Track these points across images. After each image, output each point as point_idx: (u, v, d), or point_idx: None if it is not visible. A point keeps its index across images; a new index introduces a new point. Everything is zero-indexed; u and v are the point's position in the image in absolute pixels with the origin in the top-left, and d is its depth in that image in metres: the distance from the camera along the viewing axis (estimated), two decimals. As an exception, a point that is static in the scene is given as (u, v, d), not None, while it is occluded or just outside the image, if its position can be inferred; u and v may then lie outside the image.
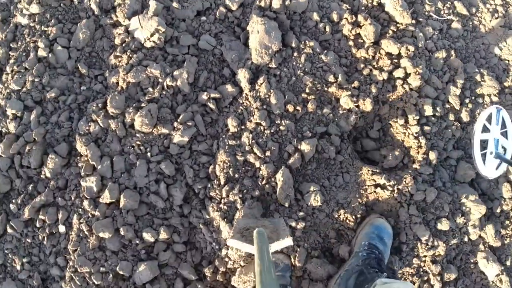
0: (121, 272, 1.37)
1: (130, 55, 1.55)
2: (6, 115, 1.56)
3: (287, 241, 1.13)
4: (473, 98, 1.69)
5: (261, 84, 1.50)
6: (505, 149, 1.58)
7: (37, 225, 1.49)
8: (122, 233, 1.39)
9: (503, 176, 1.63)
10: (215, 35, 1.62)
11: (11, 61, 1.62)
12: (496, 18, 1.86)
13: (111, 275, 1.38)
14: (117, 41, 1.59)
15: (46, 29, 1.63)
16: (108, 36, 1.64)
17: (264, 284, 0.89)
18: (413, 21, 1.69)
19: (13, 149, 1.50)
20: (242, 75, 1.52)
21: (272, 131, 1.46)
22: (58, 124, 1.53)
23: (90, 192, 1.43)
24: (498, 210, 1.62)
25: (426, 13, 1.75)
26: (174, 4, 1.60)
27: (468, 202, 1.53)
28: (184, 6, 1.61)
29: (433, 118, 1.59)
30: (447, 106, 1.63)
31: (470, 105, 1.66)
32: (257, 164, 1.43)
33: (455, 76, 1.66)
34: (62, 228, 1.48)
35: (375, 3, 1.73)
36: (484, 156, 1.53)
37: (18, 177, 1.52)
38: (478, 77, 1.70)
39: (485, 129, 1.55)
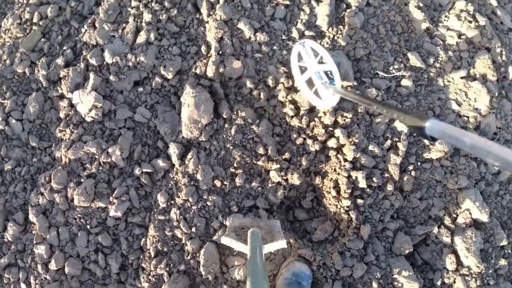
0: (68, 330, 1.56)
1: (72, 130, 1.64)
2: (-26, 184, 1.76)
3: (281, 243, 1.15)
4: (418, 164, 1.59)
5: (190, 159, 1.54)
6: (329, 72, 1.52)
7: (5, 281, 1.71)
8: (68, 296, 1.56)
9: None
10: (151, 106, 1.66)
11: (-24, 132, 1.80)
12: (458, 68, 1.69)
13: (62, 331, 1.57)
14: (62, 114, 1.69)
15: (2, 101, 1.77)
16: (56, 108, 1.75)
17: (254, 284, 0.89)
18: (355, 83, 1.60)
19: (-20, 216, 1.70)
20: (172, 151, 1.56)
21: (199, 206, 1.51)
22: (15, 194, 1.70)
23: (41, 258, 1.60)
24: (439, 283, 1.57)
25: (372, 70, 1.63)
26: (112, 77, 1.65)
27: (400, 278, 1.50)
28: (121, 78, 1.65)
29: (368, 190, 1.53)
30: (386, 175, 1.56)
31: (413, 172, 1.58)
32: (184, 239, 1.50)
33: (398, 142, 1.56)
34: (23, 286, 1.68)
35: (315, 63, 1.64)
36: (317, 93, 1.49)
37: (-14, 239, 1.74)
38: (426, 141, 1.59)
39: (303, 69, 1.51)
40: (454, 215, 1.60)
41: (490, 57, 1.71)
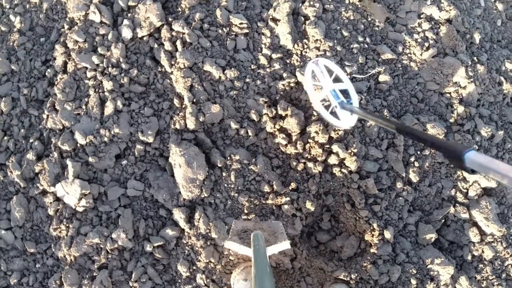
0: None
1: (67, 225, 1.55)
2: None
3: (285, 245, 1.14)
4: (418, 153, 1.61)
5: (199, 219, 1.48)
6: (345, 91, 1.46)
7: None
8: None
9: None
10: (141, 176, 1.58)
11: (-36, 256, 1.66)
12: (427, 49, 1.70)
13: None
14: (51, 211, 1.58)
15: (-17, 216, 1.64)
16: (42, 206, 1.64)
17: (261, 287, 0.88)
18: (336, 93, 1.58)
19: None
20: (178, 216, 1.50)
21: (223, 264, 1.46)
22: (29, 307, 1.60)
23: None
24: (469, 257, 1.61)
25: (349, 76, 1.62)
26: (90, 159, 1.55)
27: (434, 266, 1.52)
28: (101, 156, 1.56)
29: (380, 193, 1.53)
30: (393, 174, 1.56)
31: (416, 163, 1.59)
32: (218, 301, 1.45)
33: (394, 139, 1.57)
34: None
35: (292, 84, 1.61)
36: (334, 113, 1.42)
37: None
38: (419, 128, 1.60)
39: (318, 88, 1.46)
40: (465, 190, 1.63)
41: (454, 27, 1.73)
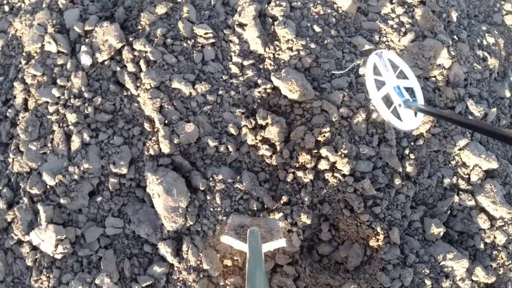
0: None
1: (47, 275, 1.41)
2: None
3: (281, 242, 1.13)
4: (412, 144, 1.51)
5: (187, 251, 1.35)
6: (410, 89, 1.34)
7: None
8: None
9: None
10: (119, 211, 1.45)
11: None
12: (405, 34, 1.61)
13: None
14: (29, 262, 1.44)
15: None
16: (19, 257, 1.49)
17: (253, 282, 0.89)
18: (317, 93, 1.48)
19: None
20: (164, 250, 1.37)
21: (220, 295, 1.34)
22: None
23: None
24: (482, 245, 1.51)
25: (327, 73, 1.52)
26: (62, 200, 1.42)
27: (447, 262, 1.42)
28: (73, 196, 1.43)
29: (379, 193, 1.43)
30: (389, 170, 1.46)
31: (411, 155, 1.49)
32: (220, 337, 1.32)
33: (384, 133, 1.47)
34: None
35: (269, 90, 1.51)
36: (396, 112, 1.29)
37: None
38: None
39: (379, 84, 1.32)
40: (466, 176, 1.54)
41: (428, 8, 1.65)
